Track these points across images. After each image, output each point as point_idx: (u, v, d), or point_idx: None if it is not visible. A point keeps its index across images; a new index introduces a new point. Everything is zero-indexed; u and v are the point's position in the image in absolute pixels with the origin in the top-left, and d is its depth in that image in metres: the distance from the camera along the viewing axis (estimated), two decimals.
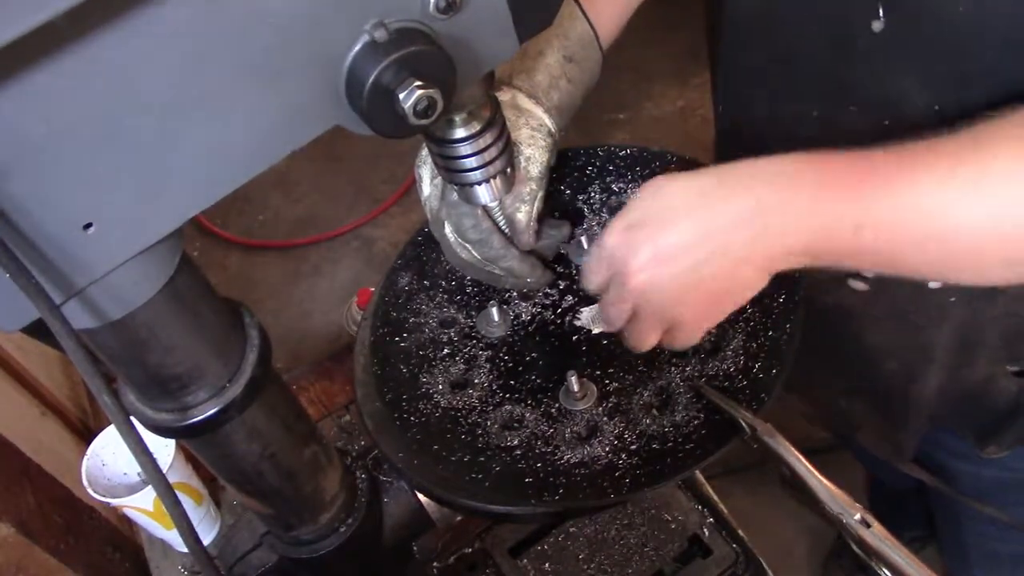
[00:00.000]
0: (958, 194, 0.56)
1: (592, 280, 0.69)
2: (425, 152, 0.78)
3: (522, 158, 0.76)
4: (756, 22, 0.85)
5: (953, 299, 0.86)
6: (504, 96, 0.77)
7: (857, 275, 0.89)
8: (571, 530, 1.00)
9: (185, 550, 1.02)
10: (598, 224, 0.88)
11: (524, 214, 0.77)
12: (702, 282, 0.62)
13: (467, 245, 0.78)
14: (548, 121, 0.78)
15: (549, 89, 0.79)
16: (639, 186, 0.87)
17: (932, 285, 0.86)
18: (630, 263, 0.63)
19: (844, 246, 0.59)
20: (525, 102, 0.78)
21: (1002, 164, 0.56)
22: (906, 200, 0.57)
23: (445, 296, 0.86)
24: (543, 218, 0.81)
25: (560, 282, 0.85)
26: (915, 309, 0.89)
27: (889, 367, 0.96)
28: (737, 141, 0.99)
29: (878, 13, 0.73)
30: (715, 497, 1.02)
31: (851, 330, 0.95)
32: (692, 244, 0.61)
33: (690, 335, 0.68)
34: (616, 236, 0.64)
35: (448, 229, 0.78)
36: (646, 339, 0.68)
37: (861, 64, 0.76)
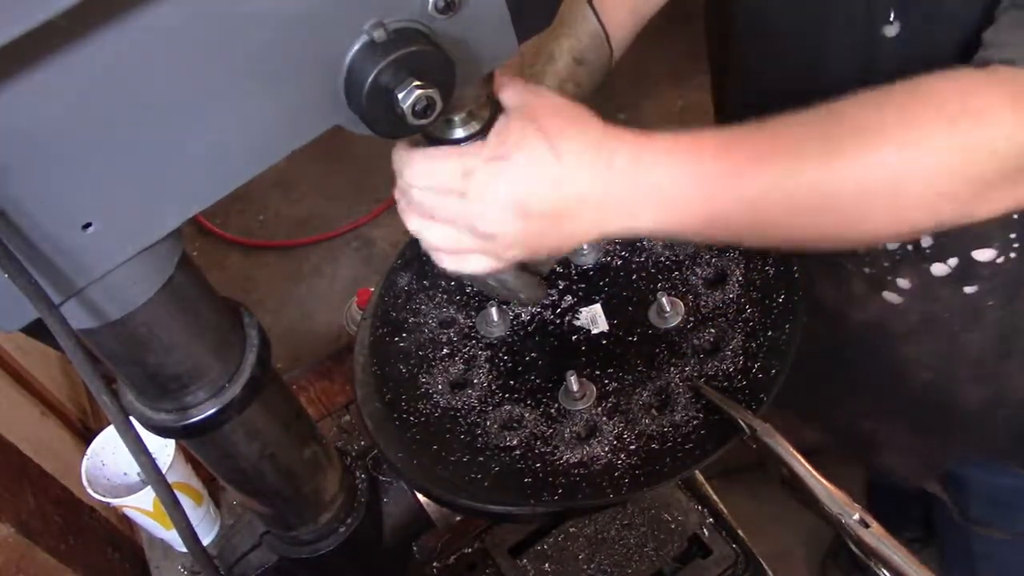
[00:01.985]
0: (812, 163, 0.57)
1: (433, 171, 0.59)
2: None
3: None
4: (780, 25, 0.85)
5: (991, 302, 0.85)
6: None
7: (892, 286, 0.88)
8: (571, 530, 1.00)
9: (185, 550, 1.02)
10: None
11: None
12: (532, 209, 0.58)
13: None
14: None
15: None
16: None
17: (967, 289, 0.85)
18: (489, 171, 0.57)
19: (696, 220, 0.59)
20: None
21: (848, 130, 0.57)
22: (757, 183, 0.57)
23: (445, 296, 0.86)
24: None
25: (560, 282, 0.85)
26: (950, 314, 0.88)
27: (924, 378, 0.95)
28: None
29: (890, 17, 0.73)
30: (715, 497, 1.02)
31: (884, 343, 0.93)
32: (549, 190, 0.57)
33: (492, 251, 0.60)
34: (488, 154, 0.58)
35: None
36: (448, 235, 0.60)
37: (877, 68, 0.75)
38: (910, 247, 0.85)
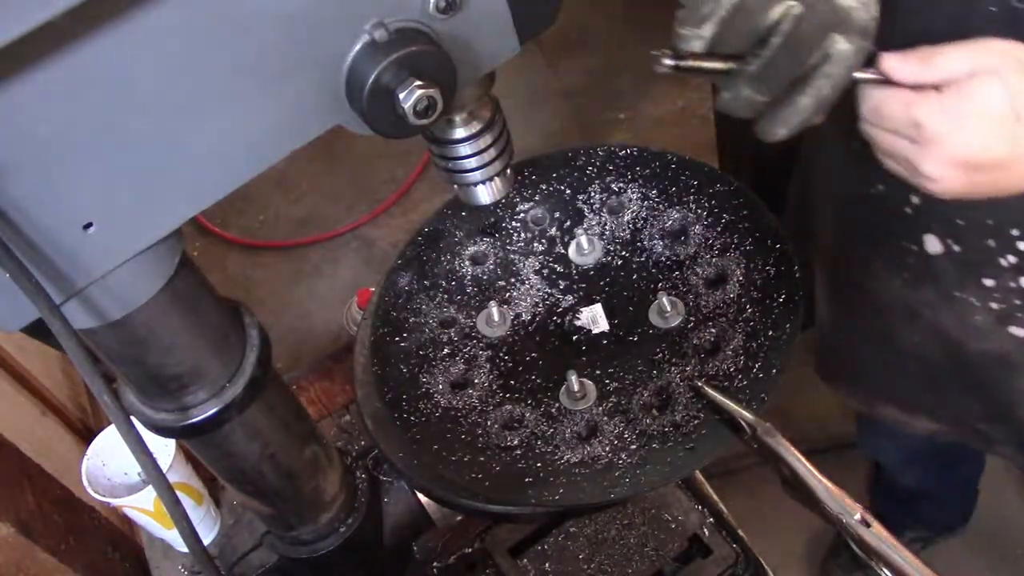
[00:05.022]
0: None
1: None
2: None
3: None
4: None
5: None
6: None
7: (1020, 322, 0.86)
8: (571, 530, 1.00)
9: (185, 550, 1.02)
10: (598, 224, 0.88)
11: None
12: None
13: None
14: None
15: None
16: (639, 186, 0.87)
17: None
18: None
19: None
20: None
21: None
22: None
23: (445, 296, 0.86)
24: None
25: (560, 282, 0.85)
26: None
27: None
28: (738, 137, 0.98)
29: None
30: (715, 497, 1.02)
31: (1005, 375, 0.91)
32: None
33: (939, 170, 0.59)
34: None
35: None
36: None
37: None
38: None
